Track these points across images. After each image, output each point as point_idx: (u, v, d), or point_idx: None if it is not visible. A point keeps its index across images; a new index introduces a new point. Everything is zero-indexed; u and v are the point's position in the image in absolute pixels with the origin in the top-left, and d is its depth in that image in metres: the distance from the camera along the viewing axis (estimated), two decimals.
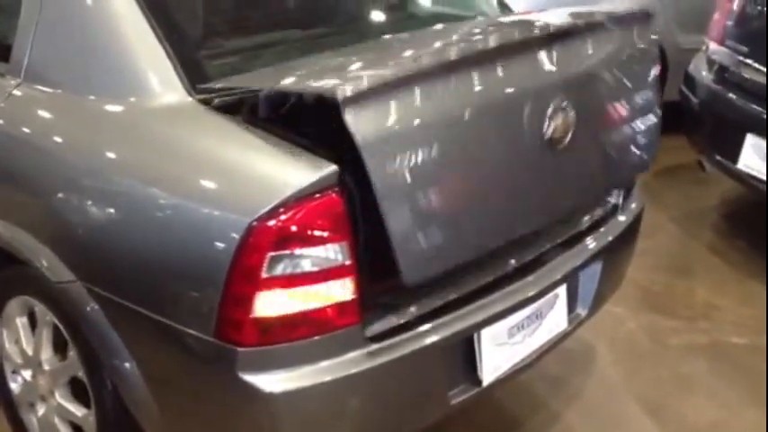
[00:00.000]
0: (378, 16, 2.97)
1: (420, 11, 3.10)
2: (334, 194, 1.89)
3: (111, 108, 2.19)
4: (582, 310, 2.72)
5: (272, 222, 1.84)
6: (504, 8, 3.07)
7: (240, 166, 1.97)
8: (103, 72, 2.23)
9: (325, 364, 1.98)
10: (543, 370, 3.11)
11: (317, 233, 1.89)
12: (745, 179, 3.96)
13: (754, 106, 3.86)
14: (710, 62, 4.25)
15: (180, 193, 1.98)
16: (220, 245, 1.88)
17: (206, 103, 2.11)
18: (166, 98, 2.13)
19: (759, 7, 4.02)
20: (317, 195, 1.87)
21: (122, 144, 2.14)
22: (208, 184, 1.97)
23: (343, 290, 1.97)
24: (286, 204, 1.85)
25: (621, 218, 2.78)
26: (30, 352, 2.48)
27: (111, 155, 2.13)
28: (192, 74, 2.16)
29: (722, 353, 3.45)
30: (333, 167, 1.89)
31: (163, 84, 2.14)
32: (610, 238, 2.69)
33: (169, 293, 2.00)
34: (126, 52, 2.19)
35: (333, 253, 1.93)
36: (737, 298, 3.83)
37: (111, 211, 2.10)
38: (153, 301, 2.03)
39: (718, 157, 4.10)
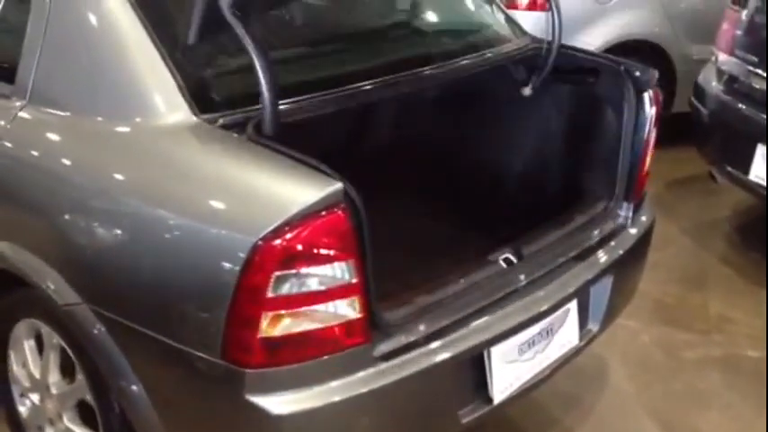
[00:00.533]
0: (385, 33, 2.96)
1: (426, 27, 3.08)
2: (339, 212, 1.87)
3: (116, 129, 2.17)
4: (593, 326, 2.69)
5: (277, 241, 1.82)
6: (512, 23, 3.05)
7: (245, 185, 1.95)
8: (109, 93, 2.22)
9: (333, 384, 1.96)
10: (555, 386, 3.06)
11: (323, 251, 1.87)
12: (756, 190, 3.93)
13: (765, 116, 3.82)
14: (720, 73, 4.22)
15: (185, 214, 1.96)
16: (226, 265, 1.86)
17: (211, 122, 2.10)
18: (172, 118, 2.11)
19: None
20: (323, 213, 1.85)
21: (127, 165, 2.12)
22: (213, 203, 1.95)
23: (350, 309, 1.95)
24: (291, 223, 1.83)
25: (632, 231, 2.75)
26: (37, 375, 2.46)
27: (116, 176, 2.12)
28: (197, 93, 2.14)
29: (736, 366, 3.42)
30: (338, 185, 1.87)
31: (168, 104, 2.12)
32: (620, 252, 2.67)
33: (176, 315, 1.98)
34: (131, 72, 2.17)
35: (339, 271, 1.91)
36: (751, 310, 3.78)
37: (117, 232, 2.09)
38: (159, 323, 2.02)
39: (729, 168, 4.07)
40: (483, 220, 2.89)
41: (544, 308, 2.39)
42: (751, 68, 3.99)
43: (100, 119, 2.21)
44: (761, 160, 3.83)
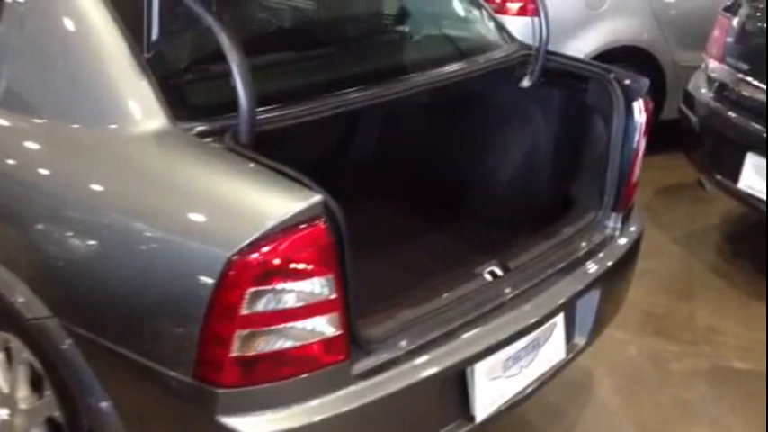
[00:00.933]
0: (371, 39, 2.90)
1: (412, 33, 3.01)
2: (319, 226, 1.80)
3: (91, 136, 2.09)
4: (580, 339, 2.63)
5: (252, 256, 1.75)
6: (501, 30, 2.98)
7: (219, 197, 1.88)
8: (84, 99, 2.13)
9: (311, 403, 1.89)
10: (541, 399, 3.00)
11: (301, 267, 1.80)
12: (746, 199, 3.88)
13: (755, 125, 3.77)
14: (710, 80, 4.17)
15: (158, 226, 1.89)
16: (199, 280, 1.79)
17: (188, 129, 2.03)
18: (147, 125, 2.04)
19: (759, 24, 3.95)
20: (302, 227, 1.79)
21: (101, 174, 2.05)
22: (186, 215, 1.88)
23: (329, 325, 1.88)
24: (268, 237, 1.76)
25: (620, 242, 2.70)
26: (6, 389, 2.39)
27: (89, 185, 2.04)
28: (174, 99, 2.07)
29: (725, 378, 3.37)
30: (317, 197, 1.80)
31: (143, 110, 2.05)
32: (608, 264, 2.61)
33: (146, 331, 1.91)
34: (106, 78, 2.09)
35: (318, 287, 1.84)
36: (740, 321, 3.74)
37: (88, 243, 2.01)
38: (130, 339, 1.94)
39: (719, 177, 4.02)
40: (469, 231, 2.83)
41: (530, 322, 2.33)
42: (741, 76, 3.94)
43: (76, 126, 2.13)
44: (750, 169, 3.78)
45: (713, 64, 4.15)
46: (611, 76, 2.67)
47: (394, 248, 2.71)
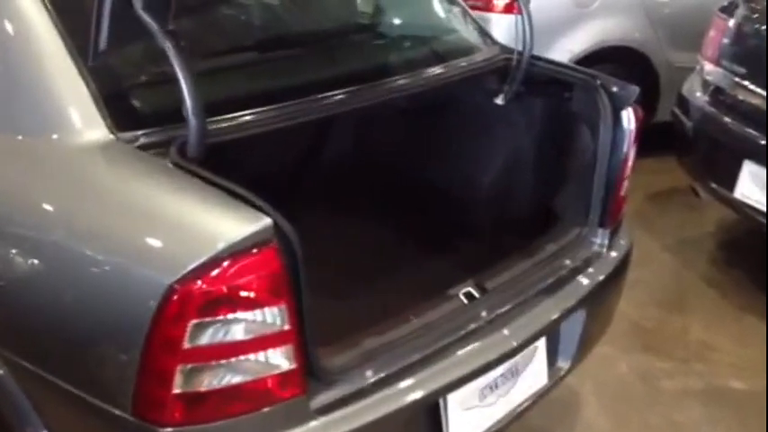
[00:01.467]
0: (341, 40, 2.72)
1: (386, 34, 2.84)
2: (269, 251, 1.64)
3: (31, 146, 1.92)
4: (564, 363, 2.47)
5: (195, 284, 1.58)
6: (481, 31, 2.81)
7: (160, 218, 1.71)
8: (24, 106, 1.96)
9: None
10: (524, 420, 2.82)
11: (250, 296, 1.63)
12: (741, 209, 3.71)
13: (752, 131, 3.61)
14: (705, 83, 4.01)
15: (97, 248, 1.72)
16: (137, 310, 1.62)
17: (131, 140, 1.86)
18: (88, 135, 1.87)
19: (757, 25, 3.78)
20: (250, 252, 1.62)
21: (36, 188, 1.87)
22: (125, 238, 1.70)
23: (283, 358, 1.72)
24: (212, 263, 1.59)
25: (607, 260, 2.53)
26: None
27: (24, 200, 1.87)
28: (117, 107, 1.90)
29: (718, 398, 3.22)
30: (267, 220, 1.63)
31: (84, 119, 1.88)
32: (594, 284, 2.45)
33: (84, 363, 1.74)
34: (45, 83, 1.93)
35: (270, 317, 1.68)
36: (735, 336, 3.59)
37: (23, 265, 1.84)
38: (67, 371, 1.78)
39: (713, 185, 3.86)
40: (445, 246, 2.66)
41: (508, 348, 2.17)
42: (738, 80, 3.78)
43: (18, 136, 1.95)
44: (747, 177, 3.61)
45: (708, 66, 3.98)
46: (598, 82, 2.50)
47: (362, 265, 2.54)
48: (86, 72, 1.90)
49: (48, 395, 1.84)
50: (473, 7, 4.28)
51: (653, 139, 4.54)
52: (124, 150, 1.84)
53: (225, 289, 1.60)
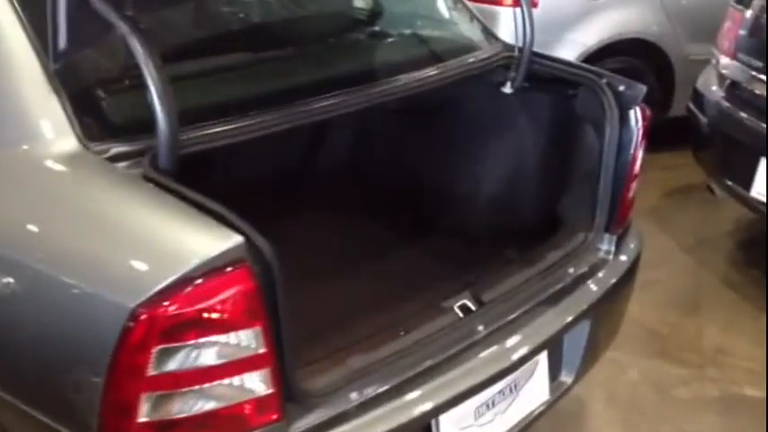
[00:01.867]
0: (336, 40, 2.61)
1: (387, 33, 2.72)
2: (241, 271, 1.53)
3: (2, 158, 1.83)
4: (567, 377, 2.36)
5: (160, 308, 1.48)
6: (483, 28, 2.68)
7: (126, 236, 1.61)
8: None
9: None
10: (529, 429, 2.75)
11: (221, 318, 1.53)
12: (758, 208, 3.57)
13: None
14: (721, 77, 3.86)
15: (62, 268, 1.61)
16: (101, 334, 1.52)
17: (102, 151, 1.76)
18: (58, 146, 1.77)
19: None
20: (221, 272, 1.52)
21: (7, 203, 1.78)
22: (90, 257, 1.60)
23: (259, 382, 1.62)
24: (180, 284, 1.49)
25: (613, 267, 2.41)
26: None
27: None
28: (88, 116, 1.81)
29: (735, 407, 3.09)
30: (238, 239, 1.53)
31: (54, 129, 1.78)
32: (600, 293, 2.33)
33: (52, 391, 1.65)
34: (14, 91, 1.83)
35: (244, 340, 1.58)
36: (752, 339, 3.45)
37: None
38: (35, 398, 1.69)
39: (729, 182, 3.72)
40: (441, 253, 2.55)
41: (507, 364, 2.07)
42: (755, 74, 3.63)
43: None
44: (764, 176, 3.47)
45: (724, 60, 3.84)
46: (604, 81, 2.38)
47: (353, 274, 2.43)
48: (57, 80, 1.80)
49: (17, 421, 1.75)
50: (480, 1, 4.20)
51: (669, 133, 4.44)
52: (93, 162, 1.74)
53: (193, 312, 1.50)
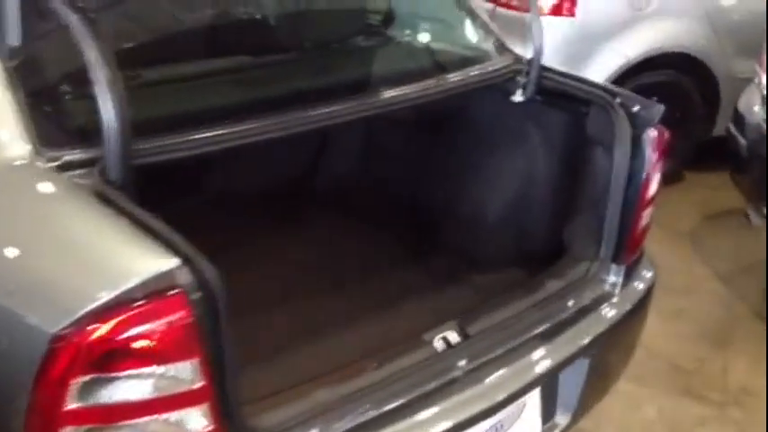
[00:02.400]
0: (339, 45, 2.48)
1: (391, 41, 2.58)
2: (176, 297, 1.40)
3: None
4: (562, 419, 2.19)
5: (84, 334, 1.36)
6: (493, 38, 2.52)
7: (55, 256, 1.48)
8: None
9: None
10: None
11: (150, 348, 1.40)
12: None
13: None
14: (763, 97, 3.63)
15: None
16: (21, 364, 1.40)
17: (53, 159, 1.64)
18: (9, 152, 1.65)
19: None
20: (153, 299, 1.39)
21: None
22: (19, 277, 1.48)
23: (198, 418, 1.49)
24: (107, 310, 1.36)
25: (620, 300, 2.23)
26: None
27: None
28: (43, 120, 1.69)
29: None
30: (174, 261, 1.40)
31: (7, 134, 1.67)
32: (601, 329, 2.16)
33: None
34: None
35: (181, 372, 1.45)
36: None
37: None
38: None
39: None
40: (435, 278, 2.39)
41: (489, 403, 1.90)
42: None
43: None
44: None
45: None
46: (617, 100, 2.21)
47: (335, 296, 2.28)
48: (11, 80, 1.68)
49: None
50: (506, 6, 4.03)
51: (713, 153, 4.21)
52: (39, 171, 1.62)
53: (120, 341, 1.37)
